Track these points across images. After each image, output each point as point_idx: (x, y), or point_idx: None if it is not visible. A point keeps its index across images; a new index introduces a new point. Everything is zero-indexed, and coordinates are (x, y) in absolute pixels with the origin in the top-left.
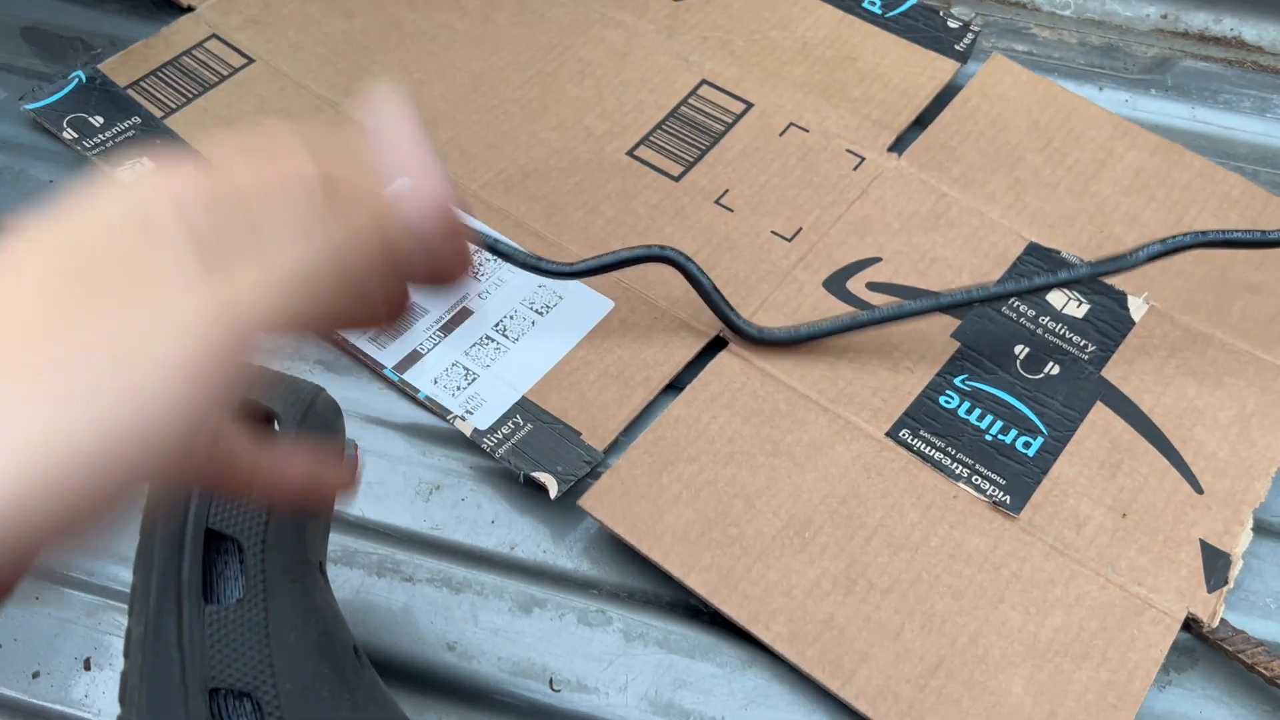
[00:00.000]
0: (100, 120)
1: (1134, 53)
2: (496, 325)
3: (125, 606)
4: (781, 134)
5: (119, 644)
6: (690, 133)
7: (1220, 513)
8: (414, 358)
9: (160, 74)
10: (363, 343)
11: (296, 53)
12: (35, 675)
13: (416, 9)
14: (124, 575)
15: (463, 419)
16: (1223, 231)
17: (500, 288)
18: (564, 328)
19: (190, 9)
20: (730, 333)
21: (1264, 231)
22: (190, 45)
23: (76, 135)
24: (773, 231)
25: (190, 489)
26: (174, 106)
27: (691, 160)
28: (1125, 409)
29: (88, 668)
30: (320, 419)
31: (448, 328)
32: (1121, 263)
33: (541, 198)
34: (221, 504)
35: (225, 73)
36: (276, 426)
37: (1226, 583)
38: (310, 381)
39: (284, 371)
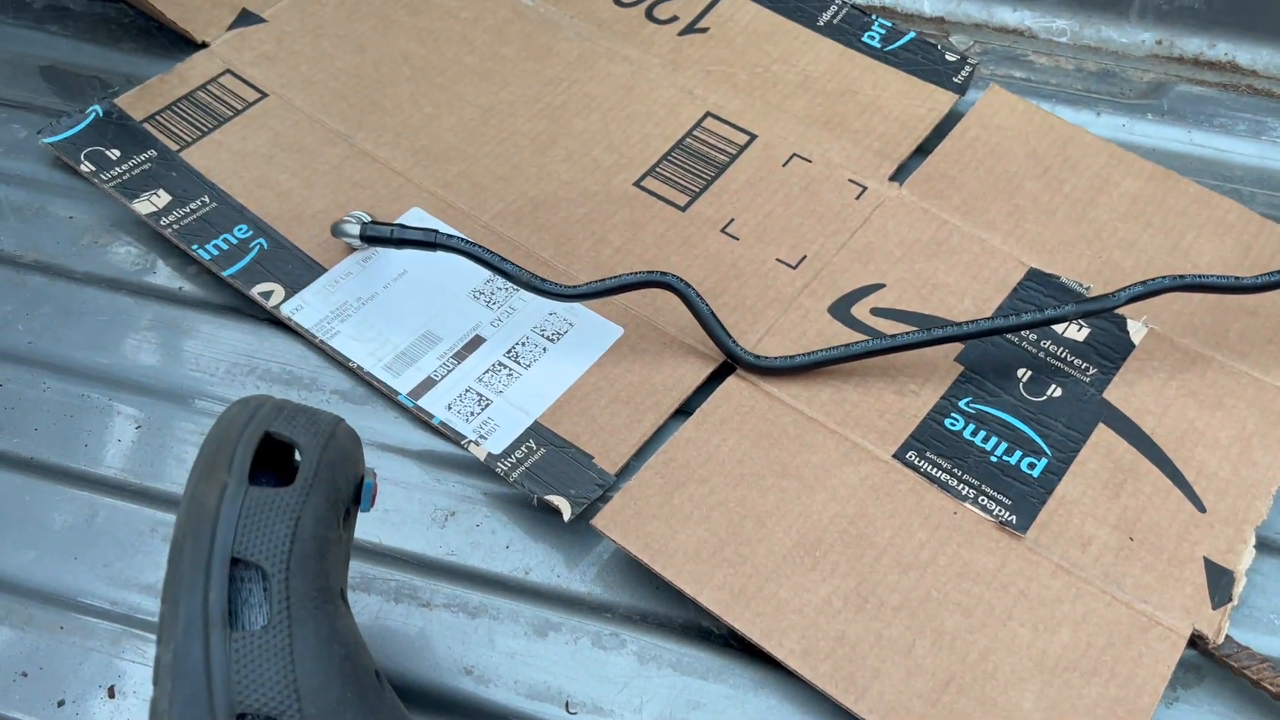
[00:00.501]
0: (117, 153)
1: (1130, 78)
2: (508, 352)
3: (148, 634)
4: (785, 164)
5: (143, 672)
6: (695, 164)
7: (1223, 531)
8: (428, 384)
9: (175, 108)
10: (378, 370)
11: (309, 87)
12: (60, 704)
13: (426, 44)
14: (146, 604)
15: (476, 444)
16: (1199, 276)
17: (512, 316)
18: (575, 354)
19: (205, 45)
20: (728, 358)
21: (1238, 278)
22: (205, 80)
23: (94, 168)
24: (778, 259)
25: (216, 517)
26: (189, 140)
27: (697, 190)
28: (1127, 430)
29: (112, 695)
30: (340, 449)
31: (460, 355)
32: (1104, 303)
33: (551, 228)
34: (246, 532)
35: (239, 107)
36: (298, 457)
37: (1231, 600)
38: (330, 412)
39: (304, 403)
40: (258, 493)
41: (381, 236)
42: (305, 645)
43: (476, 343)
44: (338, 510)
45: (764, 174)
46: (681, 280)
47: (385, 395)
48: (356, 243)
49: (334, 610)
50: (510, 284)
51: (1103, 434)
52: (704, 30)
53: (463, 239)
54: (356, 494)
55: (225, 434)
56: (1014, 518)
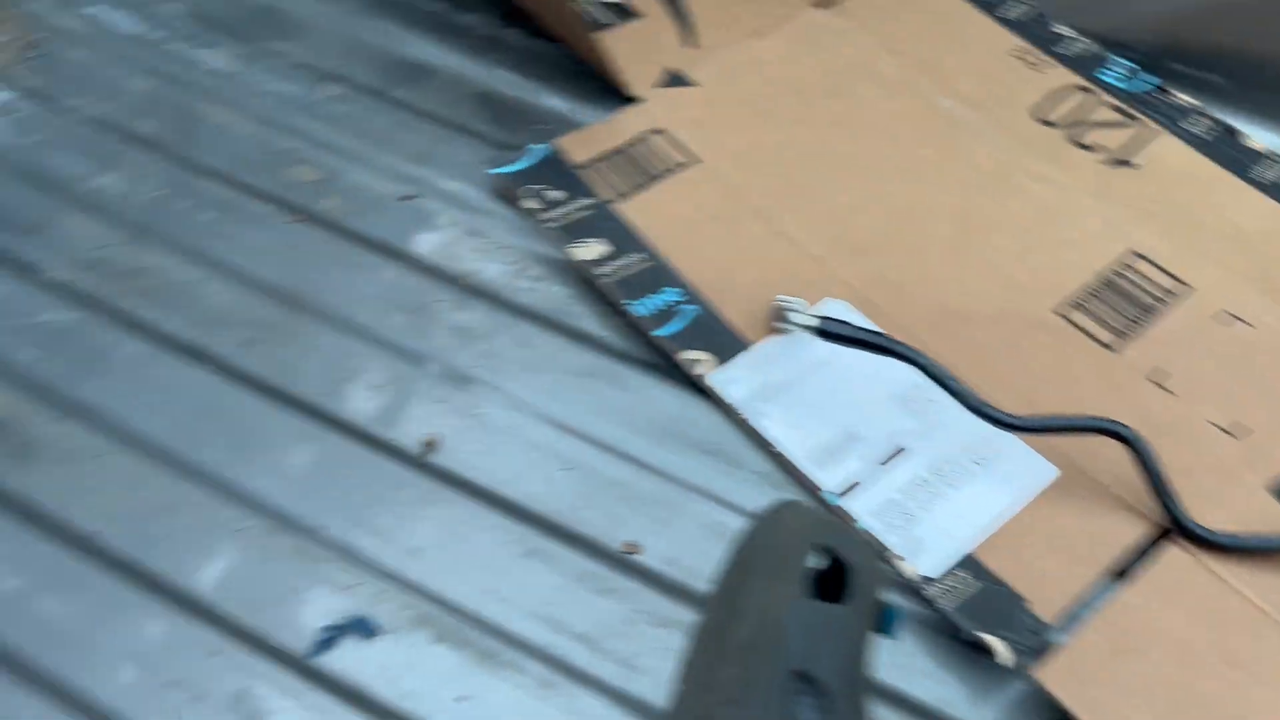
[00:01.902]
0: (560, 195)
1: None
2: (935, 469)
3: (580, 685)
4: (1219, 321)
5: None
6: (1120, 302)
7: None
8: (852, 485)
9: (611, 159)
10: (802, 459)
11: (734, 158)
12: None
13: (847, 131)
14: (576, 651)
15: (903, 560)
16: None
17: (936, 430)
18: (1005, 486)
19: (634, 100)
20: (1172, 525)
21: None
22: (639, 135)
23: (536, 206)
24: (1211, 422)
25: (785, 628)
26: (624, 192)
27: (1122, 330)
28: None
29: None
30: (880, 574)
31: (885, 461)
32: None
33: (968, 343)
34: (812, 647)
35: (669, 167)
36: (847, 579)
37: None
38: (862, 538)
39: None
40: (822, 608)
41: (837, 333)
42: None
43: (899, 452)
44: (870, 636)
45: (1195, 327)
46: (1135, 432)
47: (806, 488)
48: (788, 328)
49: None
50: (933, 397)
51: None
52: (1133, 165)
53: (911, 349)
54: (878, 621)
55: (786, 541)
56: None
